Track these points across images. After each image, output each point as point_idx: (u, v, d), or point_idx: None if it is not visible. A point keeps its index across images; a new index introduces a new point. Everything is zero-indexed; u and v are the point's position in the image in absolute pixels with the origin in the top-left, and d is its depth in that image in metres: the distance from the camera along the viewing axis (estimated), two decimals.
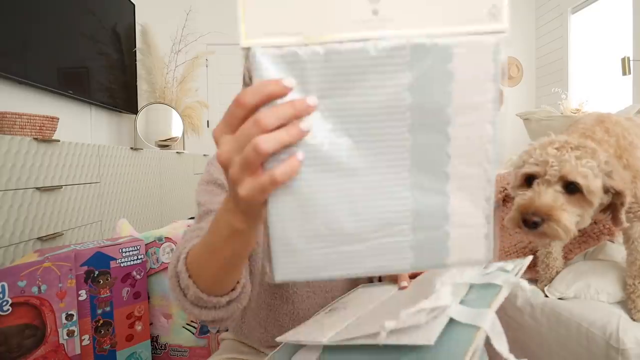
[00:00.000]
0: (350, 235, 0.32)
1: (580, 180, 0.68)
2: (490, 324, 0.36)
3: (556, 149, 0.71)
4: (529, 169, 0.73)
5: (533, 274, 1.05)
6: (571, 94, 3.41)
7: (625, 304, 0.85)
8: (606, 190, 0.72)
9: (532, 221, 0.69)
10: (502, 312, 0.60)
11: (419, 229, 0.33)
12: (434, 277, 0.48)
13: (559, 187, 0.70)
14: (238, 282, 0.50)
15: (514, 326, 1.00)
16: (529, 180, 0.74)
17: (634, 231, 0.82)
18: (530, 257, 0.48)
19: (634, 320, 0.81)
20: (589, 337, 0.83)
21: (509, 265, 0.46)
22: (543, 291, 0.97)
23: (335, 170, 0.31)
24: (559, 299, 0.93)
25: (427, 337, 0.36)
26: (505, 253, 1.12)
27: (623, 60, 2.83)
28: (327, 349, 0.46)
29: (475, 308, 0.39)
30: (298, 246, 0.32)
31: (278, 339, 0.52)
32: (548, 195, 0.69)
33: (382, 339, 0.38)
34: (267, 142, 0.29)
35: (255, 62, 0.29)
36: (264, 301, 0.71)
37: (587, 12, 3.65)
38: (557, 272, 0.98)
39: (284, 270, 0.33)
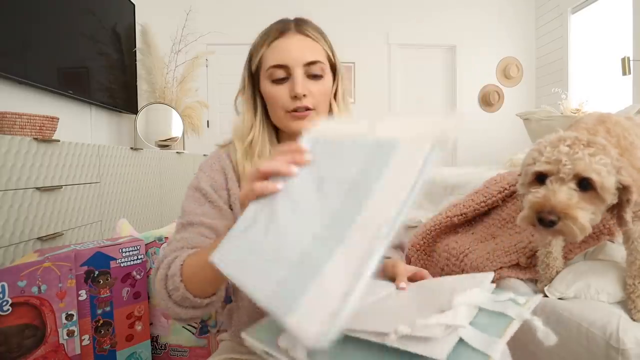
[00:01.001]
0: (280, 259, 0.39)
1: (594, 177, 0.67)
2: (500, 355, 0.37)
3: (568, 146, 0.70)
4: (540, 167, 0.72)
5: (533, 274, 1.05)
6: (571, 94, 3.40)
7: (625, 304, 0.85)
8: (617, 187, 0.71)
9: (548, 220, 0.68)
10: None
11: (294, 270, 0.36)
12: (442, 289, 0.48)
13: (572, 185, 0.69)
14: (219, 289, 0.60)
15: None
16: (539, 178, 0.74)
17: (634, 231, 0.82)
18: (540, 296, 0.48)
19: (634, 320, 0.81)
20: (589, 337, 0.83)
21: (521, 299, 0.45)
22: (543, 291, 0.97)
23: (293, 203, 0.41)
24: (559, 299, 0.93)
25: (439, 352, 0.36)
26: (505, 253, 1.12)
27: (623, 60, 2.83)
28: None
29: (486, 334, 0.39)
30: (244, 245, 0.42)
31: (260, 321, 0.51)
32: (563, 194, 0.68)
33: (391, 341, 0.37)
34: (264, 165, 0.44)
35: None
36: None
37: (587, 12, 3.65)
38: (557, 272, 0.98)
39: (222, 256, 0.43)
